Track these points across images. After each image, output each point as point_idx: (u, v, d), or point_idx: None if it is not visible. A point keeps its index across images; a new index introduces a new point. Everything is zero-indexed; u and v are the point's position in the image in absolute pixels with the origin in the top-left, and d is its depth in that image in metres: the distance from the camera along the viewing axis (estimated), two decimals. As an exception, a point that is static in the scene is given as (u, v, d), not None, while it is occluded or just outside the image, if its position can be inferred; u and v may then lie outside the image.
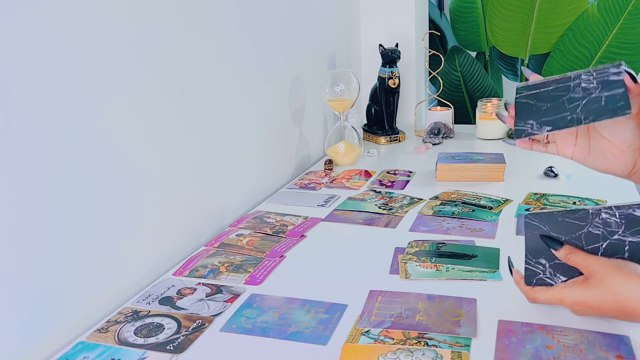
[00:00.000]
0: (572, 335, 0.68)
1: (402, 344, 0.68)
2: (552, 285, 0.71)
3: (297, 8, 1.43)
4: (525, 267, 0.73)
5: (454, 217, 1.08)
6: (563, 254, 0.69)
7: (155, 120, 0.91)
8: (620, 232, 0.67)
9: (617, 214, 0.67)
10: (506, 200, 1.15)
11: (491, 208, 1.11)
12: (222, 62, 1.09)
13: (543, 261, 0.71)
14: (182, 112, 0.98)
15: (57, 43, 0.71)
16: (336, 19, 1.72)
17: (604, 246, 0.68)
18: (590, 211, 0.68)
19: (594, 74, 0.68)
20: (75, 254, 0.76)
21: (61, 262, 0.74)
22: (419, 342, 0.69)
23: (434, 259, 0.90)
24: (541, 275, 0.72)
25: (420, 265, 0.88)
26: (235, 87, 1.15)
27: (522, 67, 0.79)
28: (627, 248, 0.67)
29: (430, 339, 0.69)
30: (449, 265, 0.88)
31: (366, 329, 0.72)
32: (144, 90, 0.88)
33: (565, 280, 0.71)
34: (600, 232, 0.68)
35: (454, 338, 0.69)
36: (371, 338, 0.70)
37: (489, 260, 0.89)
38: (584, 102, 0.68)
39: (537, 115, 0.71)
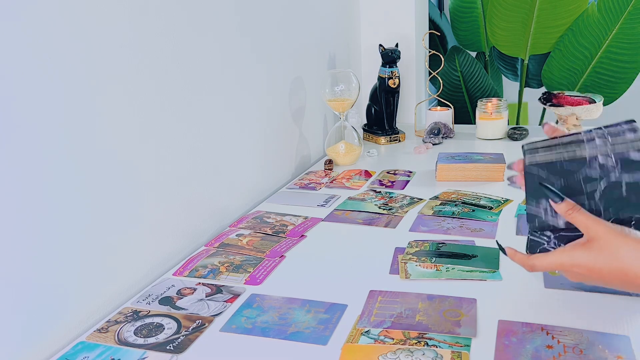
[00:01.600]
0: (572, 336, 0.68)
1: (402, 344, 0.68)
2: None
3: (297, 8, 1.43)
4: (530, 237, 0.71)
5: (454, 217, 1.08)
6: (563, 208, 0.67)
7: (155, 120, 0.91)
8: (617, 174, 0.66)
9: (612, 155, 0.66)
10: (506, 200, 1.15)
11: (491, 208, 1.11)
12: (222, 62, 1.09)
13: (548, 233, 0.70)
14: (182, 112, 0.98)
15: (57, 43, 0.71)
16: (336, 19, 1.72)
17: (602, 188, 0.67)
18: (587, 157, 0.67)
19: (609, 139, 0.66)
20: (75, 254, 0.76)
21: (61, 262, 0.74)
22: (419, 342, 0.69)
23: (434, 259, 0.90)
24: (545, 245, 0.71)
25: (420, 265, 0.88)
26: (235, 87, 1.15)
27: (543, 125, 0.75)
28: (624, 188, 0.66)
29: (430, 339, 0.69)
30: (449, 265, 0.88)
31: (366, 329, 0.72)
32: (144, 90, 0.88)
33: None
34: (597, 176, 0.67)
35: (454, 338, 0.69)
36: (371, 338, 0.70)
37: (489, 260, 0.89)
38: (603, 186, 0.67)
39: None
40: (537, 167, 0.69)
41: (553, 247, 0.70)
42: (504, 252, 0.73)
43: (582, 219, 0.66)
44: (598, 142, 0.68)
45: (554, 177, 0.69)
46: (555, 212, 0.69)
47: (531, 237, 0.71)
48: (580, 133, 0.69)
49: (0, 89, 0.64)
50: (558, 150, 0.70)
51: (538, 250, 0.71)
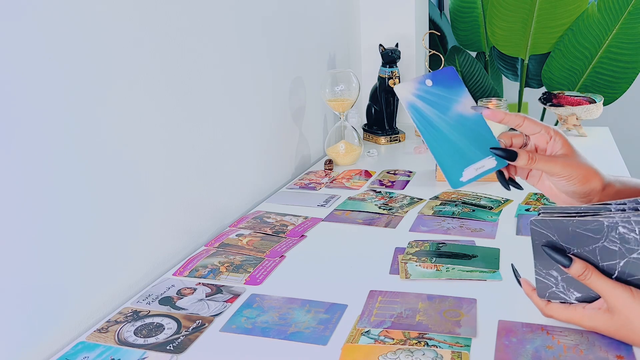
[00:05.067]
0: (572, 336, 0.68)
1: (402, 344, 0.68)
2: (566, 300, 0.67)
3: (297, 8, 1.43)
4: (536, 277, 0.67)
5: (454, 217, 1.08)
6: (576, 271, 0.62)
7: (155, 121, 0.91)
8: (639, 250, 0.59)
9: (636, 229, 0.58)
10: (506, 200, 1.15)
11: (491, 208, 1.11)
12: (222, 62, 1.09)
13: (554, 273, 0.65)
14: (182, 112, 0.98)
15: (63, 43, 0.71)
16: (336, 19, 1.72)
17: (621, 264, 0.61)
18: (606, 224, 0.59)
19: (633, 221, 0.58)
20: (76, 254, 0.76)
21: (61, 262, 0.74)
22: (419, 342, 0.69)
23: (434, 259, 0.90)
24: (554, 288, 0.66)
25: (420, 265, 0.88)
26: (236, 87, 1.15)
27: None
28: None
29: (430, 339, 0.69)
30: (449, 265, 0.88)
31: (366, 329, 0.72)
32: (145, 91, 0.88)
33: (579, 297, 0.66)
34: (617, 249, 0.60)
35: (454, 338, 0.69)
36: (371, 338, 0.70)
37: (489, 260, 0.89)
38: (622, 262, 0.60)
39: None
40: (544, 224, 0.62)
41: (562, 292, 0.66)
42: (519, 283, 0.71)
43: (599, 285, 0.62)
44: (618, 213, 0.60)
45: (563, 242, 0.62)
46: (568, 286, 0.65)
47: (537, 277, 0.67)
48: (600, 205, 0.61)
49: (6, 88, 0.64)
50: (571, 213, 0.62)
51: (547, 294, 0.67)
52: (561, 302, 0.68)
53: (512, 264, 0.75)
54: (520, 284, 0.72)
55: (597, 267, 0.62)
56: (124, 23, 0.82)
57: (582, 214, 0.62)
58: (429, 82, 0.69)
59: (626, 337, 0.64)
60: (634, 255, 0.60)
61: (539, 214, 0.64)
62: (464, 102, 0.70)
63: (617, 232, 0.59)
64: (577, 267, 0.62)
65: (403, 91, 0.68)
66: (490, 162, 0.69)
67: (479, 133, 0.69)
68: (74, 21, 0.73)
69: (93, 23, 0.77)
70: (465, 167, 0.68)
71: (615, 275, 0.62)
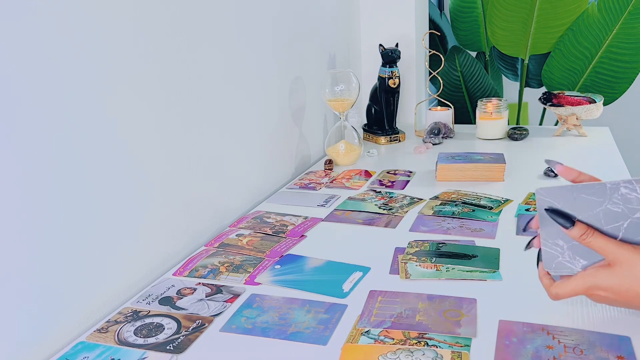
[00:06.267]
0: (573, 336, 0.68)
1: (402, 344, 0.68)
2: (572, 270, 0.67)
3: (297, 8, 1.43)
4: (543, 249, 0.67)
5: (454, 217, 1.08)
6: (577, 233, 0.63)
7: (155, 121, 0.91)
8: None
9: (637, 189, 0.60)
10: (506, 200, 1.15)
11: (491, 208, 1.11)
12: (222, 62, 1.09)
13: (560, 242, 0.65)
14: (183, 112, 0.98)
15: (63, 43, 0.71)
16: (336, 19, 1.72)
17: (625, 225, 0.62)
18: (608, 186, 0.61)
19: (634, 181, 0.59)
20: (76, 254, 0.76)
21: (61, 262, 0.74)
22: (419, 342, 0.69)
23: (434, 259, 0.90)
24: (560, 258, 0.66)
25: (420, 265, 0.88)
26: (236, 87, 1.15)
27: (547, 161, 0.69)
28: None
29: (430, 339, 0.69)
30: (449, 265, 0.88)
31: (366, 329, 0.72)
32: (146, 90, 0.88)
33: (585, 264, 0.66)
34: (620, 209, 0.61)
35: (454, 338, 0.69)
36: (371, 338, 0.70)
37: (489, 260, 0.89)
38: (626, 223, 0.61)
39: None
40: (549, 192, 0.64)
41: (568, 261, 0.67)
42: (537, 264, 0.70)
43: (600, 243, 0.62)
44: (622, 184, 0.61)
45: (568, 209, 0.64)
46: (574, 254, 0.66)
47: (544, 247, 0.67)
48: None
49: (7, 89, 0.64)
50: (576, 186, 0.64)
51: (554, 265, 0.67)
52: (564, 278, 0.67)
53: (539, 250, 0.70)
54: (537, 265, 0.71)
55: (601, 232, 0.63)
56: (124, 23, 0.82)
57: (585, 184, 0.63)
58: None
59: (629, 290, 0.62)
60: (637, 215, 0.61)
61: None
62: None
63: (620, 192, 0.60)
64: (579, 228, 0.63)
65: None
66: None
67: None
68: (74, 21, 0.73)
69: (93, 23, 0.77)
70: None
71: (620, 237, 0.63)
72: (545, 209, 0.64)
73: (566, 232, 0.64)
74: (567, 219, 0.64)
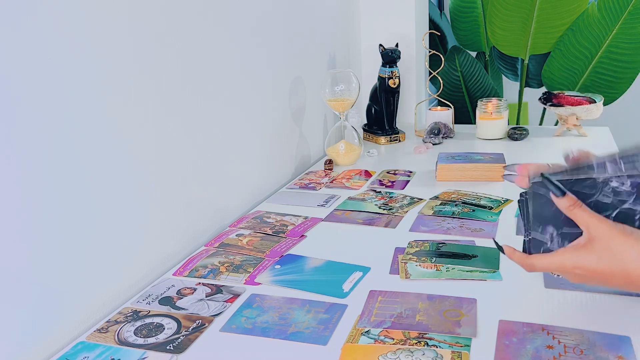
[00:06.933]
0: (573, 336, 0.68)
1: (402, 344, 0.68)
2: None
3: (298, 8, 1.43)
4: (532, 237, 0.69)
5: (454, 217, 1.08)
6: (565, 203, 0.65)
7: (155, 120, 0.91)
8: (631, 201, 0.64)
9: (628, 182, 0.63)
10: (506, 200, 1.15)
11: (491, 208, 1.11)
12: (222, 62, 1.09)
13: (550, 229, 0.67)
14: (183, 112, 0.98)
15: (63, 43, 0.71)
16: (336, 19, 1.72)
17: (613, 215, 0.65)
18: (599, 180, 0.64)
19: (622, 165, 0.63)
20: (76, 254, 0.76)
21: (61, 262, 0.74)
22: (419, 342, 0.69)
23: (434, 259, 0.90)
24: (548, 244, 0.68)
25: (420, 265, 0.88)
26: (235, 87, 1.15)
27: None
28: (637, 217, 0.64)
29: (430, 339, 0.69)
30: (449, 265, 0.88)
31: (366, 329, 0.72)
32: (146, 90, 0.88)
33: None
34: (610, 201, 0.64)
35: (454, 338, 0.69)
36: (371, 338, 0.70)
37: (489, 260, 0.89)
38: (614, 213, 0.65)
39: (557, 220, 0.66)
40: (543, 186, 0.66)
41: (557, 247, 0.68)
42: (502, 251, 0.72)
43: (584, 215, 0.64)
44: (609, 166, 0.64)
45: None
46: (562, 240, 0.67)
47: (533, 235, 0.69)
48: (591, 160, 0.66)
49: (7, 89, 0.64)
50: (568, 173, 0.66)
51: (541, 250, 0.69)
52: (542, 252, 0.68)
53: (494, 239, 0.76)
54: (502, 252, 0.72)
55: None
56: (124, 23, 0.82)
57: (576, 168, 0.66)
58: None
59: (606, 269, 0.63)
60: (625, 206, 0.65)
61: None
62: None
63: (609, 186, 0.64)
64: (568, 199, 0.65)
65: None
66: None
67: None
68: (74, 22, 0.73)
69: (93, 23, 0.76)
70: None
71: None
72: (541, 174, 0.66)
73: (556, 200, 0.65)
74: (558, 189, 0.65)
